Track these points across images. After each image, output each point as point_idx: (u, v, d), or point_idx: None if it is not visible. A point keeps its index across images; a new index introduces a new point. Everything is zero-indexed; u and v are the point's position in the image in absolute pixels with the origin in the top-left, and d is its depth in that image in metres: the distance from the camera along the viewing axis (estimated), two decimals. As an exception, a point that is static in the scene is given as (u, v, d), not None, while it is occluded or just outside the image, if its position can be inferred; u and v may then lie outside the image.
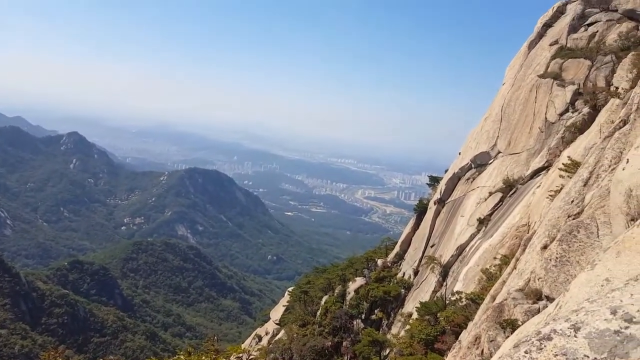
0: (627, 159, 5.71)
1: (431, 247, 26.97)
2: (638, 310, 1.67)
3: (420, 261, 27.48)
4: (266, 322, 46.61)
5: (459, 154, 30.20)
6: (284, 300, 43.13)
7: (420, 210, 32.00)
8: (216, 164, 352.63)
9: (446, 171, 31.44)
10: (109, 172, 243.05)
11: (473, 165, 26.77)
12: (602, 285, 3.22)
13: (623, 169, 5.62)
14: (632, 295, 1.77)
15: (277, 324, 40.37)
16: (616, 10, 24.12)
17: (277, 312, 43.10)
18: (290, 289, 44.06)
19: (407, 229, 33.25)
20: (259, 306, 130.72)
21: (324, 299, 34.29)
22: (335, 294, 33.74)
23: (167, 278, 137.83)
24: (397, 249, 32.98)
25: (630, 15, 23.30)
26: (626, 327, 1.60)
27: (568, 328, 1.70)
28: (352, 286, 32.32)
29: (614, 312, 1.67)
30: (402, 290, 27.50)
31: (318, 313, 32.96)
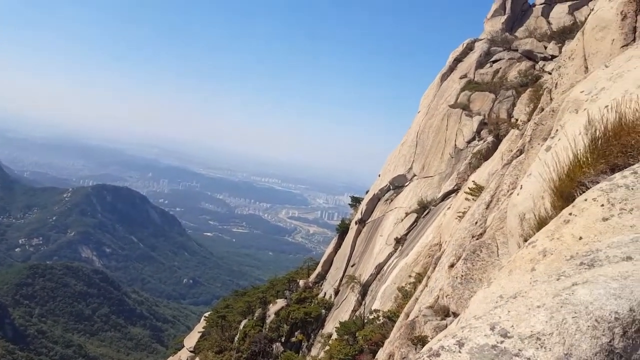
0: (521, 185, 6.07)
1: (352, 266, 27.30)
2: (512, 326, 1.81)
3: (341, 281, 27.66)
4: (179, 350, 43.83)
5: (379, 176, 31.27)
6: (200, 326, 40.92)
7: (342, 230, 32.45)
8: (128, 180, 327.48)
9: (367, 192, 32.35)
10: (2, 187, 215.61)
11: (391, 187, 27.79)
12: (496, 302, 3.33)
13: (517, 194, 5.95)
14: (509, 312, 1.92)
15: (191, 351, 38.08)
16: (517, 50, 26.84)
17: (191, 339, 40.73)
18: (206, 314, 41.89)
19: (329, 249, 33.48)
20: (172, 333, 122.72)
21: (242, 323, 33.06)
22: (255, 318, 32.71)
23: (67, 305, 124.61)
24: (319, 269, 32.99)
25: (528, 55, 26.03)
26: (501, 342, 1.72)
27: (454, 344, 1.68)
28: (273, 308, 31.58)
29: (492, 328, 1.80)
30: (323, 310, 27.38)
31: (236, 338, 31.65)
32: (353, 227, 29.79)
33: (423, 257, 17.75)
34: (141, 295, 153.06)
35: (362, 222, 28.81)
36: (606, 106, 4.80)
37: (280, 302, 31.73)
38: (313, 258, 40.67)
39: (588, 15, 11.47)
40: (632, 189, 3.06)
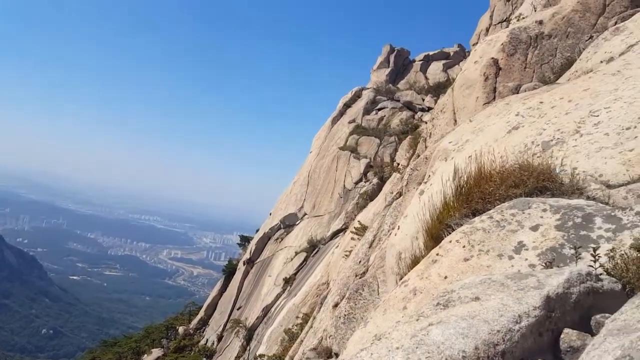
0: (398, 226, 6.39)
1: (238, 309, 26.17)
2: None
3: (225, 325, 26.24)
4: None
5: (270, 214, 31.10)
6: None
7: (229, 272, 31.17)
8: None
9: (257, 231, 31.82)
10: None
11: (282, 226, 27.73)
12: (371, 342, 3.35)
13: (395, 235, 6.23)
14: (372, 354, 1.96)
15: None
16: (399, 100, 29.48)
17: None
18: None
19: (213, 292, 31.80)
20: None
21: (111, 378, 29.34)
22: (127, 370, 29.28)
23: None
24: (201, 314, 31.02)
25: (408, 105, 28.71)
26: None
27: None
28: (147, 359, 28.62)
29: (357, 369, 1.82)
30: (204, 359, 25.54)
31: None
32: (241, 268, 28.84)
33: (311, 297, 17.70)
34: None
35: (250, 262, 28.06)
36: (469, 156, 5.33)
37: (156, 352, 28.92)
38: (195, 302, 38.24)
39: (458, 74, 13.11)
40: (488, 232, 3.33)
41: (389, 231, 9.42)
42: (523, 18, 12.27)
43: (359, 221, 16.15)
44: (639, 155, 3.39)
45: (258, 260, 27.68)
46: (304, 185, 27.93)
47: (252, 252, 28.40)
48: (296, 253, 23.21)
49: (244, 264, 28.55)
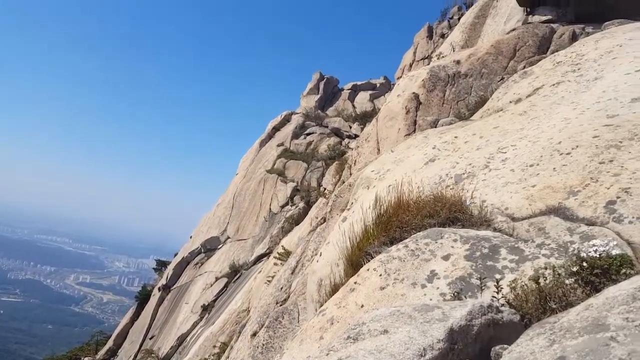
0: (321, 252, 6.33)
1: (150, 339, 24.38)
2: None
3: (135, 356, 24.27)
4: None
5: (191, 237, 29.78)
6: None
7: (143, 298, 29.13)
8: None
9: (176, 255, 30.24)
10: None
11: (203, 250, 26.62)
12: None
13: (317, 261, 6.16)
14: None
15: None
16: (327, 127, 30.10)
17: None
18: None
19: (124, 320, 29.47)
20: None
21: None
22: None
23: None
24: (110, 343, 28.47)
25: (336, 132, 29.39)
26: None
27: None
28: (42, 397, 25.55)
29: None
30: (109, 394, 23.35)
31: None
32: (156, 294, 27.08)
33: (230, 325, 16.99)
34: None
35: (167, 288, 26.46)
36: (390, 185, 5.45)
37: (55, 388, 25.96)
38: (104, 331, 35.17)
39: (383, 105, 13.66)
40: (404, 260, 3.36)
41: (312, 257, 9.33)
42: (443, 57, 13.19)
43: (282, 246, 15.95)
44: (540, 191, 3.64)
45: (175, 286, 26.19)
46: (229, 208, 27.20)
47: (168, 277, 26.83)
48: (216, 278, 22.30)
49: (159, 290, 26.84)
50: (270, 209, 24.48)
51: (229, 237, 25.58)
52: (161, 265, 31.63)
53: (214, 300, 21.16)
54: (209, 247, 26.24)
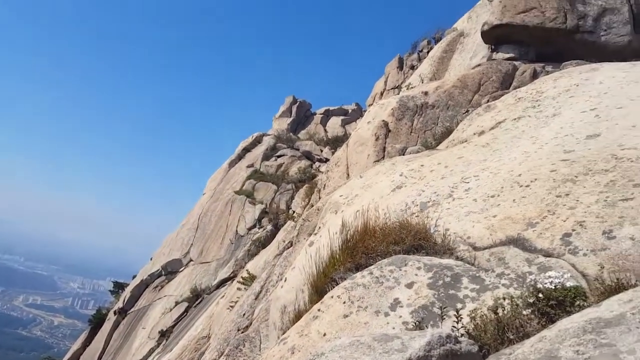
0: (286, 278, 6.23)
1: (103, 365, 23.10)
2: None
3: (85, 385, 22.90)
4: None
5: (151, 259, 28.78)
6: None
7: (97, 322, 27.68)
8: None
9: (134, 277, 29.08)
10: None
11: (164, 272, 25.71)
12: None
13: (282, 287, 6.05)
14: None
15: None
16: (298, 149, 30.20)
17: None
18: None
19: (76, 345, 27.85)
20: None
21: None
22: None
23: None
24: (58, 370, 26.80)
25: (307, 155, 29.51)
26: None
27: None
28: None
29: None
30: None
31: None
32: (111, 318, 25.81)
33: (189, 352, 16.31)
34: None
35: (123, 312, 25.28)
36: (357, 211, 5.45)
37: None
38: (52, 357, 33.16)
39: (354, 131, 13.87)
40: (368, 288, 3.34)
41: (277, 282, 9.15)
42: (412, 87, 13.59)
43: (247, 270, 15.60)
44: (501, 222, 3.73)
45: (132, 309, 25.07)
46: (193, 229, 26.54)
47: (125, 300, 25.68)
48: (177, 303, 21.51)
49: (115, 314, 25.60)
50: (237, 231, 24.04)
51: (191, 260, 24.87)
52: (118, 287, 30.30)
53: (173, 326, 20.34)
54: (170, 270, 25.38)
